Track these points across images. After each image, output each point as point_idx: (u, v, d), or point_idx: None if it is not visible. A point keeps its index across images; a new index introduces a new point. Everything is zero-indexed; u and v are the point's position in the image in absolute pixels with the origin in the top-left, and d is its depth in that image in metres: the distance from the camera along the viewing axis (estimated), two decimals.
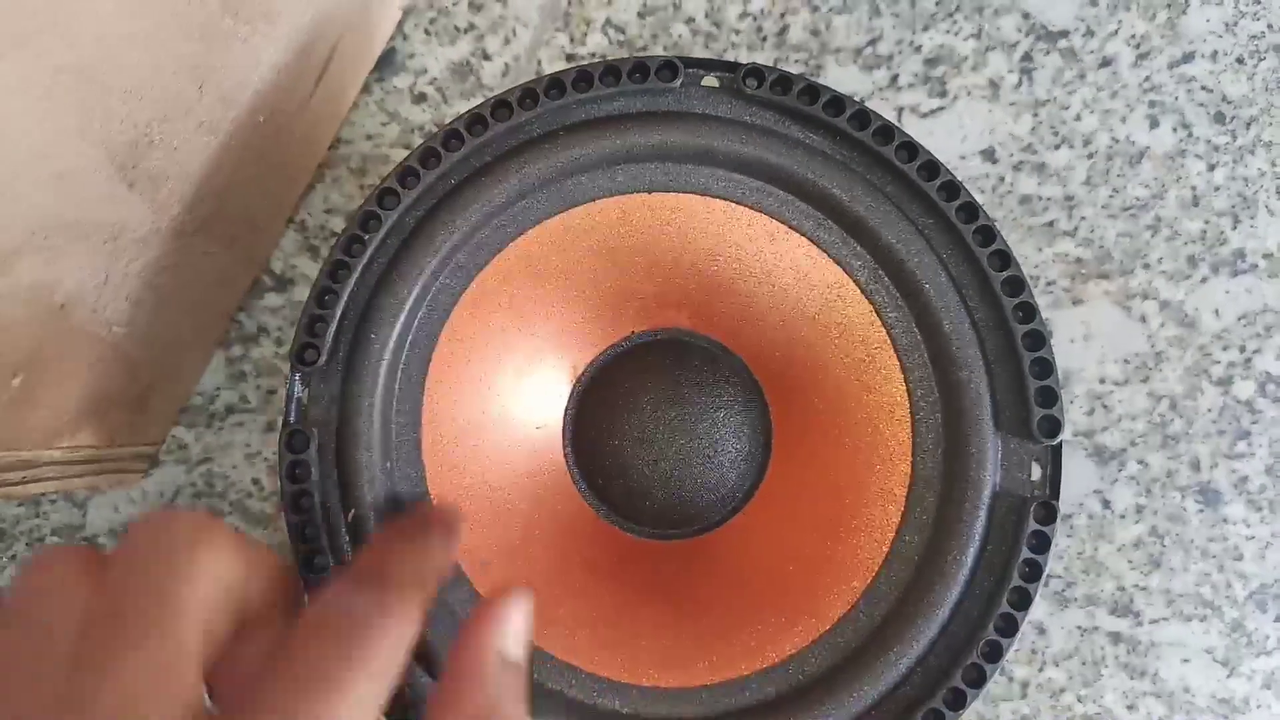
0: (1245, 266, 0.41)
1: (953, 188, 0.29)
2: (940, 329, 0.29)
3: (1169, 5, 0.41)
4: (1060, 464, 0.29)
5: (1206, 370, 0.41)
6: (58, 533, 0.42)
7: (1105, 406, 0.41)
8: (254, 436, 0.42)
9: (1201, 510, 0.40)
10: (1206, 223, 0.41)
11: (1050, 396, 0.29)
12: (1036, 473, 0.29)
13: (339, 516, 0.29)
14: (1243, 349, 0.40)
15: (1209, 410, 0.40)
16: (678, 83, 0.30)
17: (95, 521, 0.42)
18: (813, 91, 0.29)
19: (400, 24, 0.42)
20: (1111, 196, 0.41)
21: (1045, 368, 0.29)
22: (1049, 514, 0.28)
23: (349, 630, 0.21)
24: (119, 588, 0.21)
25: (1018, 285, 0.29)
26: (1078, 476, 0.40)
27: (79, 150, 0.27)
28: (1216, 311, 0.41)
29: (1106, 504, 0.40)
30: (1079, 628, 0.40)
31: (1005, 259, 0.29)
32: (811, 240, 0.31)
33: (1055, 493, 0.29)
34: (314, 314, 0.29)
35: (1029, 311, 0.29)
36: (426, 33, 0.42)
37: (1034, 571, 0.28)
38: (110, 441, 0.37)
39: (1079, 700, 0.40)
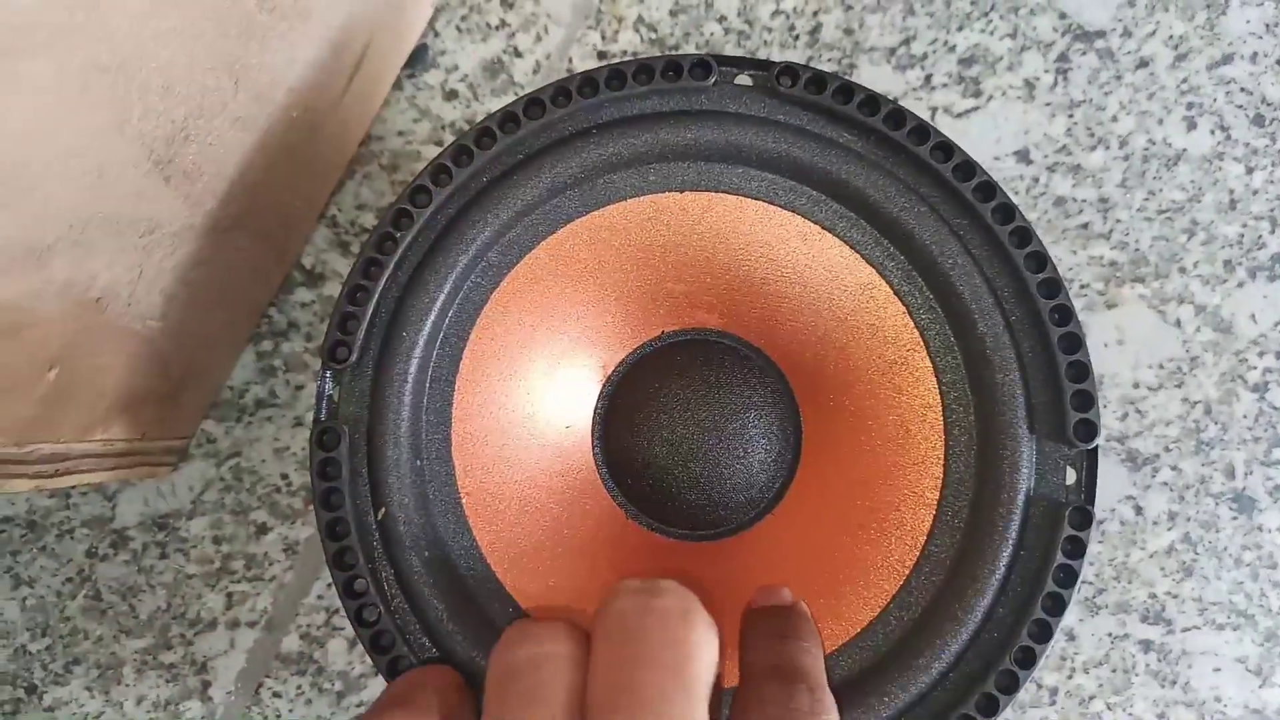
0: None
1: (989, 188, 0.29)
2: (974, 331, 0.29)
3: (1208, 6, 0.40)
4: (1096, 469, 0.28)
5: (1242, 376, 0.40)
6: (87, 524, 0.42)
7: (1139, 411, 0.40)
8: (283, 431, 0.42)
9: (1235, 517, 0.40)
10: (1244, 226, 0.40)
11: (1087, 400, 0.28)
12: (1071, 477, 0.29)
13: (369, 513, 0.29)
14: (1279, 355, 0.40)
15: (1244, 416, 0.40)
16: (711, 81, 0.30)
17: (125, 514, 0.42)
18: (847, 90, 0.29)
19: (432, 21, 0.42)
20: (1147, 199, 0.40)
21: (1081, 371, 0.28)
22: (1084, 519, 0.28)
23: None
24: (625, 661, 0.22)
25: (1054, 287, 0.29)
26: (1110, 482, 0.40)
27: (115, 146, 0.27)
28: (1253, 317, 0.40)
29: (1139, 510, 0.40)
30: (1110, 635, 0.40)
31: (1041, 260, 0.29)
32: (844, 241, 0.30)
33: (1090, 498, 0.28)
34: (346, 311, 0.29)
35: (1065, 314, 0.28)
36: (458, 29, 0.42)
37: (1068, 577, 0.28)
38: (142, 435, 0.37)
39: (1109, 708, 0.40)
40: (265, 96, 0.33)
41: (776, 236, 0.31)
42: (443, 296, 0.29)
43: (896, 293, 0.30)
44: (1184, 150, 0.40)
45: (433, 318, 0.29)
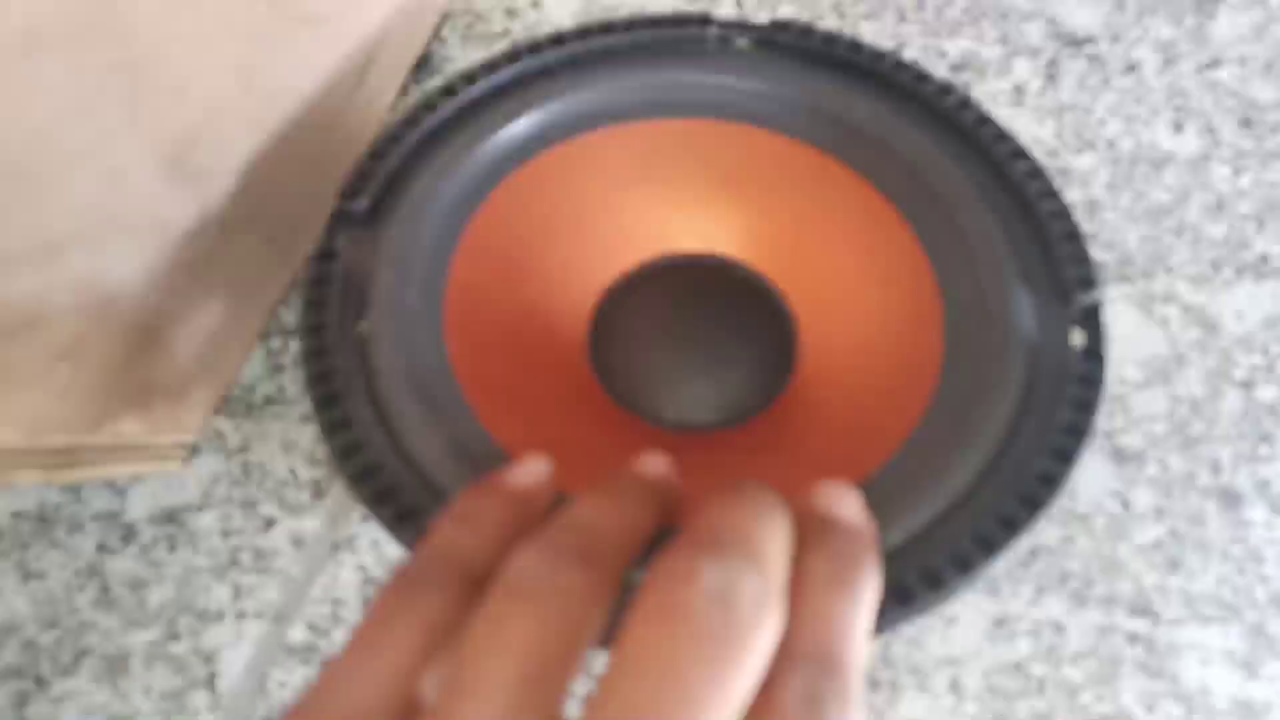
0: (1269, 270, 0.41)
1: (963, 101, 0.32)
2: (956, 213, 0.31)
3: (1197, 10, 0.41)
4: (1100, 324, 0.29)
5: (1228, 373, 0.41)
6: (97, 519, 0.43)
7: (1125, 408, 0.41)
8: (291, 427, 0.43)
9: (1222, 512, 0.40)
10: (1231, 227, 0.41)
11: (1080, 254, 0.29)
12: (1079, 340, 0.29)
13: (350, 327, 0.29)
14: (1265, 352, 0.41)
15: (1230, 413, 0.41)
16: (712, 31, 0.34)
17: (134, 508, 0.43)
18: (830, 39, 0.33)
19: (438, 28, 0.43)
20: (1134, 200, 0.41)
21: (1070, 229, 0.29)
22: (1094, 370, 0.28)
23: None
24: (735, 553, 0.20)
25: (1031, 165, 0.31)
26: (1096, 477, 0.41)
27: (128, 145, 0.28)
28: (1239, 315, 0.41)
29: (1126, 505, 0.41)
30: (1097, 627, 0.40)
31: (1002, 135, 0.31)
32: (830, 154, 0.33)
33: (1097, 353, 0.28)
34: (364, 164, 0.31)
35: (1040, 178, 0.31)
36: (464, 37, 0.43)
37: (1086, 409, 0.28)
38: (152, 430, 0.38)
39: (1097, 699, 0.40)
40: (275, 100, 0.34)
41: (767, 153, 0.34)
42: (467, 164, 0.31)
43: (885, 197, 0.33)
44: (1171, 152, 0.41)
45: (451, 184, 0.31)
